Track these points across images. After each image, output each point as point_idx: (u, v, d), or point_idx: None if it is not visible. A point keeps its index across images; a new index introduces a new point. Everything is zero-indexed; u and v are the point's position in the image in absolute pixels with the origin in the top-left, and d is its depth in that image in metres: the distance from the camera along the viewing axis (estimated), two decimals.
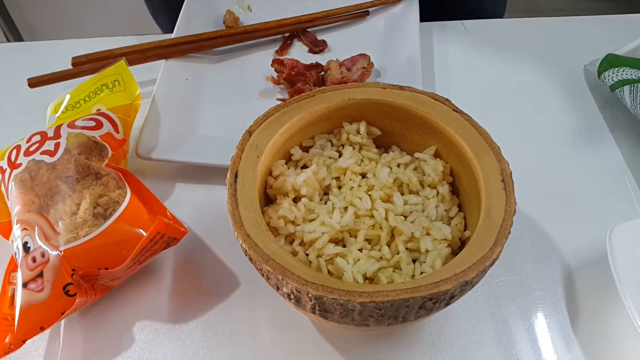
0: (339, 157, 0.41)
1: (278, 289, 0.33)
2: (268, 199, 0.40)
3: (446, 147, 0.40)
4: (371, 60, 0.56)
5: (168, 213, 0.43)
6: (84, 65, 0.56)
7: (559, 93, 0.57)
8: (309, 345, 0.40)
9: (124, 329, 0.42)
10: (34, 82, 0.55)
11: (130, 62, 0.54)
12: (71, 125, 0.46)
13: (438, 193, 0.39)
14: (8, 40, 1.41)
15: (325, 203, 0.39)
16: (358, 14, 0.63)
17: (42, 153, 0.44)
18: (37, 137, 0.45)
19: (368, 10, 0.64)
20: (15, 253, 0.41)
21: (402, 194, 0.39)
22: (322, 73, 0.57)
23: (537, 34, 0.63)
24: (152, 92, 0.54)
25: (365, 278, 0.35)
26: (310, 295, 0.30)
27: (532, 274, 0.44)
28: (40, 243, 0.39)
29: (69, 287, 0.37)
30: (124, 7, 1.33)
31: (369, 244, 0.37)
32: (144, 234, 0.40)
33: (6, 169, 0.44)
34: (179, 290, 0.44)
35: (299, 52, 0.61)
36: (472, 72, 0.59)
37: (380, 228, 0.37)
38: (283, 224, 0.37)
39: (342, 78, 0.55)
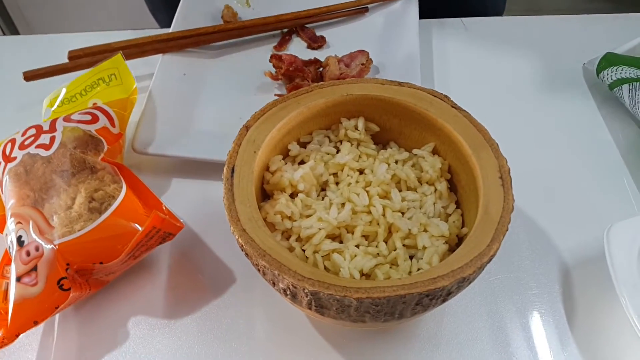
0: (337, 153, 0.41)
1: (274, 284, 0.33)
2: (265, 195, 0.40)
3: (444, 144, 0.39)
4: (370, 57, 0.56)
5: (164, 208, 0.43)
6: (81, 59, 0.56)
7: (558, 91, 0.57)
8: (305, 341, 0.40)
9: (118, 323, 0.42)
10: (30, 76, 0.55)
11: (127, 57, 0.53)
12: (67, 119, 0.46)
13: (436, 190, 0.39)
14: (4, 34, 1.40)
15: (323, 199, 0.38)
16: (357, 10, 0.63)
17: (37, 147, 0.43)
18: (33, 131, 0.45)
19: (367, 7, 0.63)
20: (9, 247, 0.40)
21: (400, 191, 0.39)
22: (321, 69, 0.57)
23: (536, 32, 0.63)
24: (149, 86, 0.54)
25: (362, 274, 0.34)
26: (306, 290, 0.30)
27: (529, 271, 0.43)
28: (34, 237, 0.39)
29: (63, 282, 0.37)
30: (122, 3, 1.33)
31: (366, 240, 0.37)
32: (140, 228, 0.40)
33: (1, 162, 0.44)
34: (175, 286, 0.43)
35: (298, 48, 0.61)
36: (471, 69, 0.59)
37: (378, 224, 0.36)
38: (280, 220, 0.36)
39: (341, 74, 0.55)
